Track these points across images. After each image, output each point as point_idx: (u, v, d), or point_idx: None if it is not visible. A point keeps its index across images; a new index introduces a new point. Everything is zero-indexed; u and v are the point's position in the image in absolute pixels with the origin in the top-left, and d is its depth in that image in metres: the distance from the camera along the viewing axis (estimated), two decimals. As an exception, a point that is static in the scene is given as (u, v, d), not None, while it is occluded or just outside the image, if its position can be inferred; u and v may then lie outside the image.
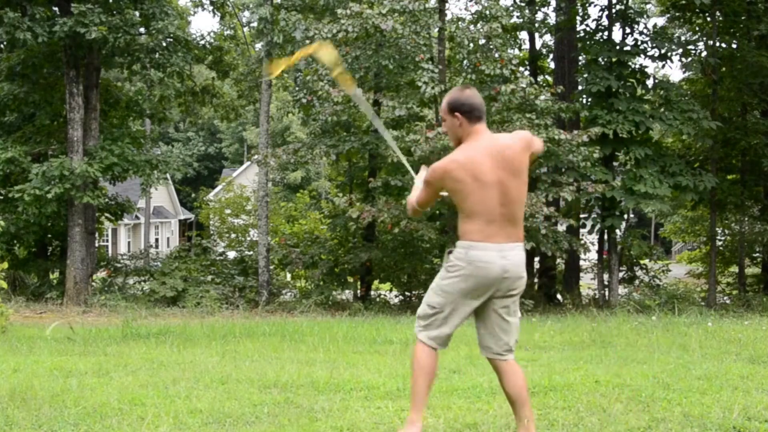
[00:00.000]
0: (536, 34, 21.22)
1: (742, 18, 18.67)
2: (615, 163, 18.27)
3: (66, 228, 17.24)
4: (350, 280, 19.02)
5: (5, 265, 11.29)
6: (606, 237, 18.11)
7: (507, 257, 3.87)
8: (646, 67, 27.73)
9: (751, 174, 19.33)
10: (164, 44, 17.40)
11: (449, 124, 3.98)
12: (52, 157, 16.83)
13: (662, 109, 17.35)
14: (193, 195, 41.38)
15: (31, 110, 18.36)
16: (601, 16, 18.41)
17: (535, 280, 20.20)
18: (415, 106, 16.52)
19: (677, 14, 19.68)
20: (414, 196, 4.16)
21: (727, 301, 18.75)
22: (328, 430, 4.38)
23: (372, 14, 15.13)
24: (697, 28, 20.05)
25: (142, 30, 17.20)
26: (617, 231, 17.82)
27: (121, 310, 14.83)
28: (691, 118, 16.93)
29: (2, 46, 18.03)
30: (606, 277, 18.10)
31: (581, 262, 19.89)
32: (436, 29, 16.56)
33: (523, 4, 20.22)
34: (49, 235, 18.76)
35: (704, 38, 19.33)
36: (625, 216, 18.28)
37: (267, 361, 7.33)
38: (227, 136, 57.36)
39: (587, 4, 18.94)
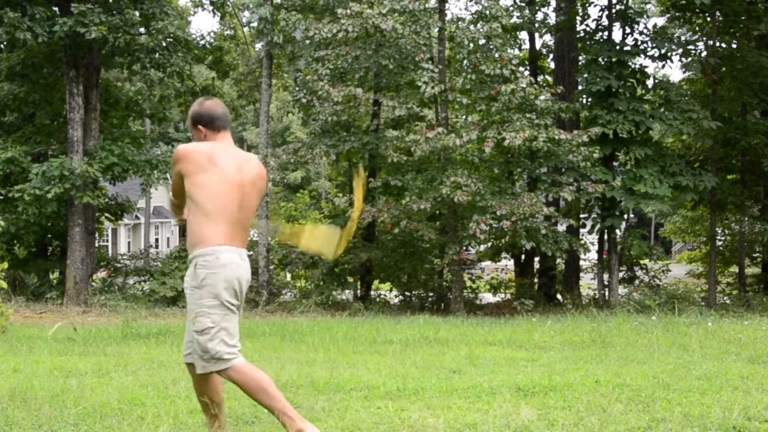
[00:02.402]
0: (536, 34, 21.19)
1: (742, 18, 18.65)
2: (615, 163, 18.25)
3: (66, 228, 17.22)
4: (350, 280, 19.01)
5: (5, 265, 11.29)
6: (606, 237, 18.10)
7: (245, 261, 3.93)
8: (646, 67, 27.81)
9: (751, 174, 19.31)
10: (164, 44, 17.39)
11: (195, 137, 4.03)
12: (52, 157, 16.83)
13: (662, 109, 17.32)
14: (193, 195, 41.26)
15: (31, 110, 18.35)
16: (601, 16, 18.39)
17: (535, 280, 20.19)
18: (415, 106, 16.53)
19: (677, 14, 19.66)
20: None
21: (727, 301, 18.72)
22: (328, 430, 4.38)
23: (372, 14, 15.13)
24: (697, 28, 20.03)
25: (142, 30, 17.19)
26: (617, 231, 17.81)
27: (121, 310, 14.82)
28: (691, 118, 16.92)
29: (2, 46, 18.01)
30: (606, 277, 18.08)
31: (581, 262, 19.87)
32: (436, 29, 16.56)
33: (523, 4, 20.20)
34: (49, 235, 18.75)
35: (704, 38, 19.31)
36: (625, 216, 18.28)
37: (267, 361, 7.32)
38: (227, 136, 57.26)
39: (587, 4, 18.91)
